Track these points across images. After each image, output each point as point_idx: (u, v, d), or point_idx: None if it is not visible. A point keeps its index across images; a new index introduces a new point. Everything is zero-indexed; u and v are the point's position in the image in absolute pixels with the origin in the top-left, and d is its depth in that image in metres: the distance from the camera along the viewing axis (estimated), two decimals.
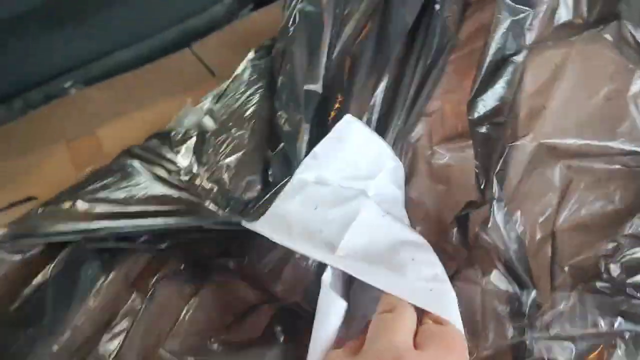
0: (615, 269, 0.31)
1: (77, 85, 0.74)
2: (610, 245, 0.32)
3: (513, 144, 0.34)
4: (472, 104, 0.34)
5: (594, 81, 0.33)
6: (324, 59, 0.39)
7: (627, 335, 0.30)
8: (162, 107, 0.71)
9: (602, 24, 0.35)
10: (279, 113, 0.39)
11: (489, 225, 0.32)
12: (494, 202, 0.32)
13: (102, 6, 0.71)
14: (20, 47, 0.68)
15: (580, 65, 0.34)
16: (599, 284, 0.32)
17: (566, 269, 0.32)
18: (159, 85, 0.74)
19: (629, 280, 0.31)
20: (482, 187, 0.33)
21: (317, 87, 0.39)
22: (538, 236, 0.33)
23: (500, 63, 0.34)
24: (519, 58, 0.34)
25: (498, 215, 0.32)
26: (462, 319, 0.30)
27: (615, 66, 0.33)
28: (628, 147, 0.33)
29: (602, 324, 0.31)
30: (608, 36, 0.34)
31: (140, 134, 0.69)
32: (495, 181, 0.33)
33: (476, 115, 0.34)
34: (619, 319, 0.31)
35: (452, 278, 0.31)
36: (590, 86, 0.33)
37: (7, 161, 0.69)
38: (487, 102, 0.34)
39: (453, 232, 0.33)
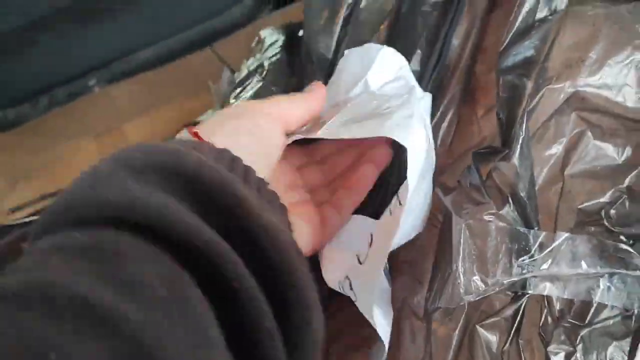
0: (611, 216, 0.36)
1: (101, 83, 0.80)
2: (613, 194, 0.35)
3: (550, 86, 0.36)
4: (502, 55, 0.37)
5: (624, 48, 0.37)
6: (338, 27, 0.44)
7: (608, 277, 0.34)
8: (184, 104, 0.76)
9: (632, 1, 0.37)
10: (298, 76, 0.44)
11: (507, 163, 0.35)
12: (520, 138, 0.35)
13: (126, 6, 0.77)
14: (49, 46, 0.74)
15: (614, 31, 0.37)
16: (594, 229, 0.35)
17: (573, 212, 0.35)
18: (181, 83, 0.79)
19: (619, 229, 0.35)
20: (504, 129, 0.36)
21: (330, 52, 0.44)
22: (547, 179, 0.36)
23: (534, 22, 0.37)
24: (555, 17, 0.37)
25: (518, 153, 0.35)
26: (475, 255, 0.33)
27: None
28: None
29: (587, 266, 0.34)
30: (639, 13, 0.37)
31: (165, 129, 0.75)
32: (525, 118, 0.35)
33: (505, 65, 0.37)
34: (602, 261, 0.34)
35: (469, 214, 0.34)
36: (620, 52, 0.36)
37: (36, 155, 0.74)
38: (519, 54, 0.37)
39: (467, 169, 0.36)
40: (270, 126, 0.35)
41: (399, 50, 0.42)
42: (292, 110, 0.37)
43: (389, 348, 0.34)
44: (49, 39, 0.74)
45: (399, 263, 0.38)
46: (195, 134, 0.32)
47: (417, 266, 0.37)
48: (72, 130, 0.77)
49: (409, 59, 0.42)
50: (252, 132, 0.34)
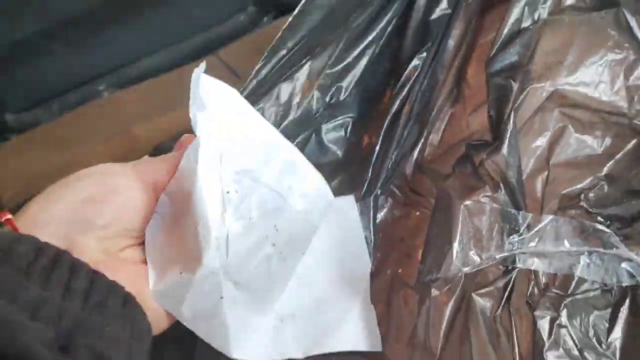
0: (589, 200, 0.42)
1: (110, 88, 0.85)
2: (592, 181, 0.42)
3: (533, 85, 0.42)
4: (491, 61, 0.43)
5: (598, 50, 0.43)
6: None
7: (587, 254, 0.40)
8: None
9: (604, 9, 0.44)
10: None
11: (498, 153, 0.40)
12: (508, 132, 0.40)
13: (133, 15, 0.82)
14: (60, 52, 0.79)
15: (588, 35, 0.43)
16: (574, 211, 0.41)
17: (557, 197, 0.41)
18: (187, 88, 0.83)
19: (597, 210, 0.41)
20: (494, 125, 0.42)
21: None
22: (533, 168, 0.42)
23: (519, 30, 0.43)
24: (536, 26, 0.43)
25: (506, 145, 0.40)
26: (472, 232, 0.39)
27: (614, 42, 0.43)
28: (617, 105, 0.42)
29: (569, 244, 0.40)
30: (609, 19, 0.43)
31: (171, 132, 0.80)
32: (512, 115, 0.41)
33: (493, 69, 0.43)
34: (582, 240, 0.40)
35: (466, 197, 0.40)
36: (595, 53, 0.43)
37: (47, 157, 0.77)
38: (505, 60, 0.43)
39: (461, 158, 0.43)
40: (132, 186, 0.34)
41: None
42: (163, 168, 0.36)
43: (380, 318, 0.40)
44: (61, 46, 0.79)
45: (390, 241, 0.44)
46: (9, 222, 0.30)
47: (407, 243, 0.43)
48: (82, 133, 0.81)
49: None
50: (104, 197, 0.33)
